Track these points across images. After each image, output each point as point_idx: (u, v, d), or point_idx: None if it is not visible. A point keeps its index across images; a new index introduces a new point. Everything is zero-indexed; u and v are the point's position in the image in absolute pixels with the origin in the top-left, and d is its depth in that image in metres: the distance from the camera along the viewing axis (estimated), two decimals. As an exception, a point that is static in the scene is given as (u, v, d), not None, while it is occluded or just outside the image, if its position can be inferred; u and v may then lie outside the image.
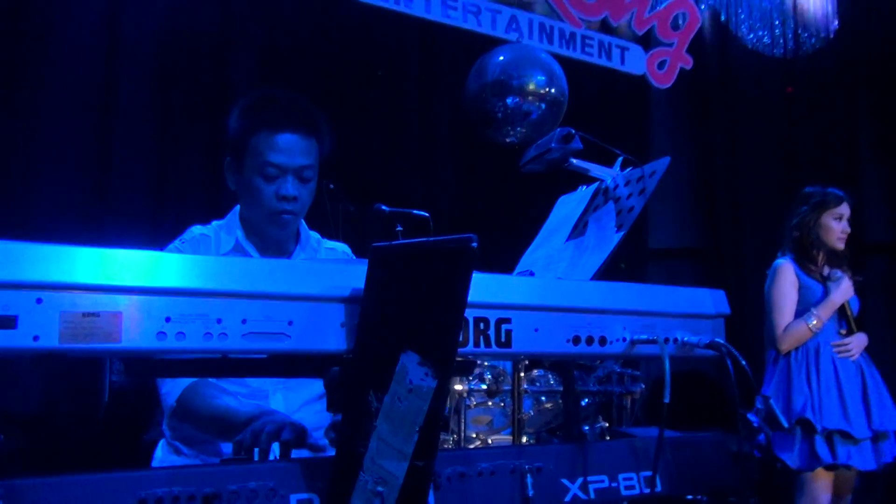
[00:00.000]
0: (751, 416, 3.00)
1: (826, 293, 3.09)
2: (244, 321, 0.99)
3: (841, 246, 3.17)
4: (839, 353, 3.07)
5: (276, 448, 1.37)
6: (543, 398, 4.28)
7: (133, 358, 1.01)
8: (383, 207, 3.14)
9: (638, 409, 4.62)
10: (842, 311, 3.10)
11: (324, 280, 1.04)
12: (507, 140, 4.14)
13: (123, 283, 0.93)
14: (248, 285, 1.00)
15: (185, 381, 1.68)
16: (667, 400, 1.21)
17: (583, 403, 4.39)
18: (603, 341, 1.26)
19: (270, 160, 1.72)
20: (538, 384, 4.27)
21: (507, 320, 1.17)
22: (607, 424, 4.35)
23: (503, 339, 1.17)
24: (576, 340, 1.24)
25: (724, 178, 5.74)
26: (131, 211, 3.70)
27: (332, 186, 3.48)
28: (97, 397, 2.53)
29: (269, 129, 1.73)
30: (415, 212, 3.08)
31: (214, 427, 1.62)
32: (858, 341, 3.13)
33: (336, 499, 1.07)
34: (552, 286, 1.23)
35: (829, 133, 5.71)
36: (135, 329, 0.93)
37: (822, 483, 2.89)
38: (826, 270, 3.14)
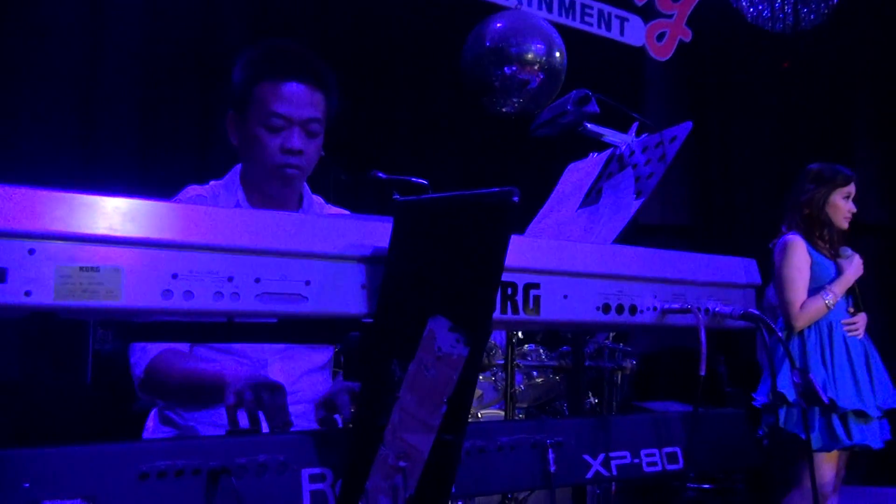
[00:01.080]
0: (757, 396, 2.96)
1: (838, 270, 3.04)
2: (258, 280, 0.90)
3: (846, 225, 3.13)
4: (848, 331, 3.04)
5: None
6: (535, 373, 4.23)
7: (134, 318, 0.92)
8: (380, 174, 3.03)
9: (627, 385, 4.59)
10: (850, 289, 3.06)
11: (345, 237, 0.95)
12: (504, 110, 4.04)
13: (126, 234, 0.83)
14: (262, 241, 0.90)
15: (153, 350, 1.58)
16: (703, 373, 1.13)
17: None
18: (633, 310, 1.18)
19: (276, 110, 1.62)
20: (530, 359, 4.21)
21: (537, 286, 1.09)
22: (597, 401, 4.31)
23: (531, 306, 1.08)
24: (605, 309, 1.16)
25: (717, 155, 5.68)
26: (117, 169, 3.58)
27: (323, 154, 3.37)
28: (80, 365, 2.42)
29: (275, 78, 1.63)
30: (413, 179, 2.97)
31: (184, 393, 1.54)
32: (863, 320, 3.10)
33: (352, 474, 0.99)
34: (583, 251, 1.15)
35: (824, 112, 5.66)
36: (138, 286, 0.84)
37: (831, 463, 2.86)
38: (832, 248, 3.09)
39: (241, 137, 1.69)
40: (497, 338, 3.97)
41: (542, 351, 4.23)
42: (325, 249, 0.94)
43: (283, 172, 1.65)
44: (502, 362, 3.81)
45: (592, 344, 4.43)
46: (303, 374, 1.73)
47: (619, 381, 4.43)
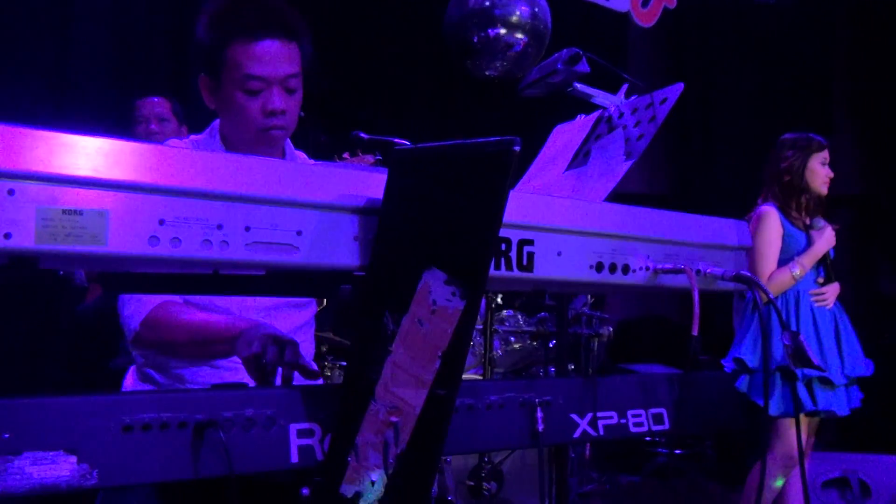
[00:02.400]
0: (725, 363, 2.99)
1: (809, 242, 3.06)
2: (248, 229, 0.87)
3: (825, 191, 3.15)
4: (816, 301, 3.07)
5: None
6: (512, 338, 4.24)
7: (120, 265, 0.89)
8: (362, 135, 2.99)
9: (604, 352, 4.63)
10: (822, 259, 3.09)
11: (338, 187, 0.92)
12: (487, 73, 3.99)
13: (112, 177, 0.80)
14: (254, 188, 0.87)
15: (149, 303, 1.55)
16: (695, 333, 1.13)
17: (549, 345, 4.36)
18: (626, 269, 1.17)
19: (251, 72, 1.56)
20: (507, 324, 4.22)
21: (531, 242, 1.07)
22: (573, 367, 4.34)
23: (525, 263, 1.06)
24: (598, 267, 1.14)
25: (696, 125, 5.69)
26: (90, 123, 3.49)
27: (302, 114, 3.31)
28: (54, 321, 2.38)
29: (244, 37, 1.56)
30: (396, 140, 2.93)
31: (190, 344, 1.51)
32: (833, 290, 3.13)
33: (342, 429, 0.97)
34: (579, 208, 1.13)
35: (803, 83, 5.68)
36: (123, 231, 0.81)
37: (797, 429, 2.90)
38: (807, 219, 3.11)
39: (217, 101, 1.63)
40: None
41: (520, 317, 4.24)
42: (317, 199, 0.91)
43: (269, 135, 1.59)
44: (480, 327, 3.81)
45: (570, 311, 4.45)
46: (289, 331, 1.70)
47: (595, 348, 4.47)
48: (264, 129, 1.59)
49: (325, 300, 2.06)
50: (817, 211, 3.17)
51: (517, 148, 0.82)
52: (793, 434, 2.89)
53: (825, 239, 3.06)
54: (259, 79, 1.56)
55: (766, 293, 1.19)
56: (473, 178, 0.85)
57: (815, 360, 1.07)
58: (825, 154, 3.16)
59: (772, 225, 3.08)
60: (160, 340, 1.56)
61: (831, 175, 3.15)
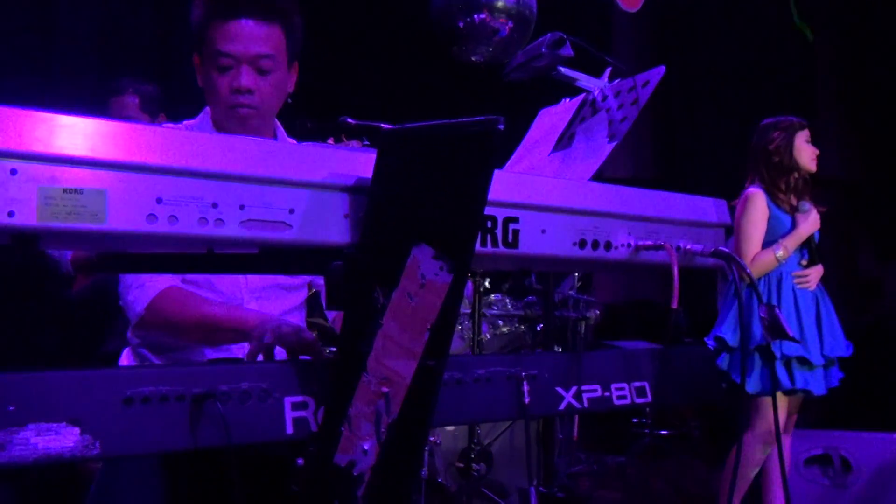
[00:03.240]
0: (708, 341, 3.05)
1: (794, 225, 3.11)
2: (242, 207, 0.91)
3: (814, 167, 3.19)
4: (798, 283, 3.12)
5: None
6: (500, 322, 4.28)
7: (119, 243, 0.92)
8: (349, 120, 3.01)
9: (591, 336, 4.68)
10: (806, 242, 3.14)
11: (329, 166, 0.96)
12: (474, 59, 4.01)
13: (110, 157, 0.83)
14: (248, 168, 0.91)
15: (153, 288, 1.58)
16: (675, 306, 1.17)
17: (537, 329, 4.41)
18: (608, 246, 1.21)
19: (222, 49, 1.59)
20: (495, 308, 4.26)
21: (515, 219, 1.11)
22: (560, 350, 4.40)
23: (510, 240, 1.10)
24: (581, 244, 1.18)
25: (681, 110, 5.73)
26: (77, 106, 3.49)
27: (289, 101, 3.32)
28: (46, 307, 2.40)
29: (224, 16, 1.60)
30: (383, 125, 2.95)
31: (199, 332, 1.54)
32: (817, 272, 3.18)
33: (335, 401, 1.01)
34: (562, 186, 1.17)
35: (788, 67, 5.72)
36: (122, 209, 0.84)
37: (777, 406, 2.96)
38: (795, 201, 3.15)
39: (202, 81, 1.67)
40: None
41: (508, 301, 4.28)
42: (309, 178, 0.94)
43: (237, 113, 1.62)
44: (468, 311, 3.85)
45: (557, 294, 4.50)
46: (279, 315, 1.74)
47: (582, 331, 4.52)
48: (231, 107, 1.62)
49: (312, 288, 2.10)
50: (805, 191, 3.21)
51: (501, 127, 0.85)
52: (771, 412, 2.95)
53: (810, 222, 3.11)
54: (228, 56, 1.59)
55: (743, 268, 1.24)
56: (459, 157, 0.88)
57: (790, 331, 1.11)
58: (807, 132, 3.23)
59: (758, 207, 3.12)
60: (167, 324, 1.59)
61: (817, 152, 3.21)
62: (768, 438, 3.03)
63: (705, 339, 3.07)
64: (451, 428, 3.52)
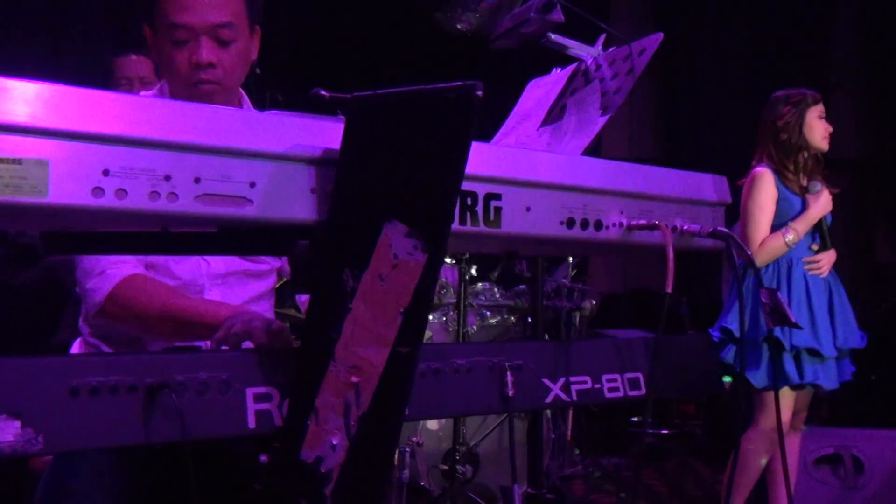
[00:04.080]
0: (713, 332, 3.07)
1: (804, 206, 3.11)
2: (197, 180, 0.90)
3: (826, 146, 3.18)
4: (810, 269, 3.12)
5: None
6: (488, 313, 4.29)
7: (62, 219, 0.91)
8: (322, 92, 2.99)
9: (586, 328, 4.69)
10: (817, 225, 3.14)
11: (293, 137, 0.95)
12: (459, 26, 4.00)
13: (52, 125, 0.82)
14: (204, 137, 0.90)
15: (114, 276, 1.57)
16: (669, 290, 1.18)
17: (528, 320, 4.42)
18: (599, 225, 1.21)
19: (176, 20, 1.55)
20: (483, 298, 4.26)
21: (498, 196, 1.11)
22: (554, 342, 4.40)
23: (492, 218, 1.11)
24: (570, 223, 1.19)
25: (684, 85, 5.73)
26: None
27: (258, 72, 3.30)
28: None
29: None
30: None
31: (166, 326, 1.53)
32: (829, 258, 3.18)
33: (301, 392, 1.01)
34: (548, 161, 1.17)
35: (798, 39, 5.73)
36: (66, 182, 0.83)
37: (784, 402, 2.98)
38: (805, 181, 3.15)
39: (156, 54, 1.65)
40: (448, 275, 4.00)
41: (496, 290, 4.28)
42: (272, 148, 0.94)
43: (199, 90, 1.60)
44: (454, 301, 3.85)
45: (550, 283, 4.50)
46: (242, 302, 1.73)
47: (576, 322, 4.53)
48: (193, 84, 1.59)
49: (283, 276, 2.10)
50: (815, 171, 3.21)
51: (480, 93, 0.85)
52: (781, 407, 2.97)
53: (821, 203, 3.11)
54: (184, 27, 1.56)
55: (745, 250, 1.24)
56: (435, 125, 0.88)
57: (792, 317, 1.13)
58: (821, 108, 3.21)
59: (765, 188, 3.11)
60: (130, 316, 1.58)
61: (830, 129, 3.20)
62: (774, 436, 3.04)
63: (710, 329, 3.08)
64: (434, 427, 3.53)
